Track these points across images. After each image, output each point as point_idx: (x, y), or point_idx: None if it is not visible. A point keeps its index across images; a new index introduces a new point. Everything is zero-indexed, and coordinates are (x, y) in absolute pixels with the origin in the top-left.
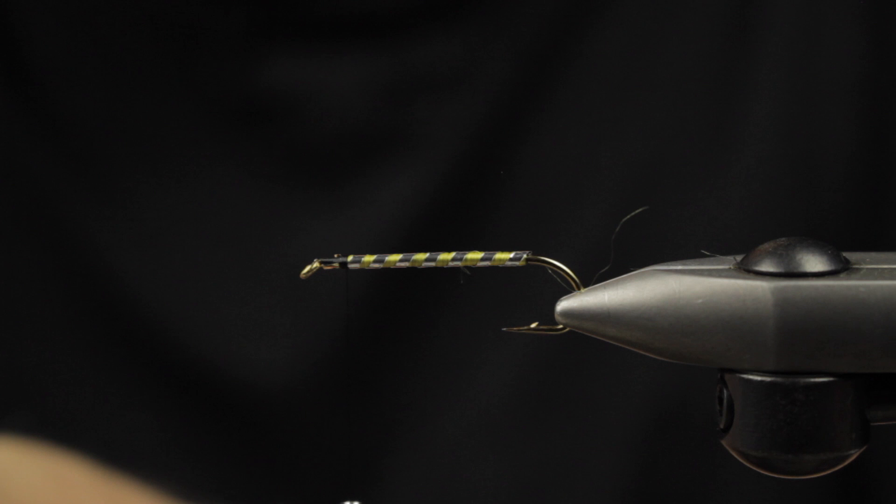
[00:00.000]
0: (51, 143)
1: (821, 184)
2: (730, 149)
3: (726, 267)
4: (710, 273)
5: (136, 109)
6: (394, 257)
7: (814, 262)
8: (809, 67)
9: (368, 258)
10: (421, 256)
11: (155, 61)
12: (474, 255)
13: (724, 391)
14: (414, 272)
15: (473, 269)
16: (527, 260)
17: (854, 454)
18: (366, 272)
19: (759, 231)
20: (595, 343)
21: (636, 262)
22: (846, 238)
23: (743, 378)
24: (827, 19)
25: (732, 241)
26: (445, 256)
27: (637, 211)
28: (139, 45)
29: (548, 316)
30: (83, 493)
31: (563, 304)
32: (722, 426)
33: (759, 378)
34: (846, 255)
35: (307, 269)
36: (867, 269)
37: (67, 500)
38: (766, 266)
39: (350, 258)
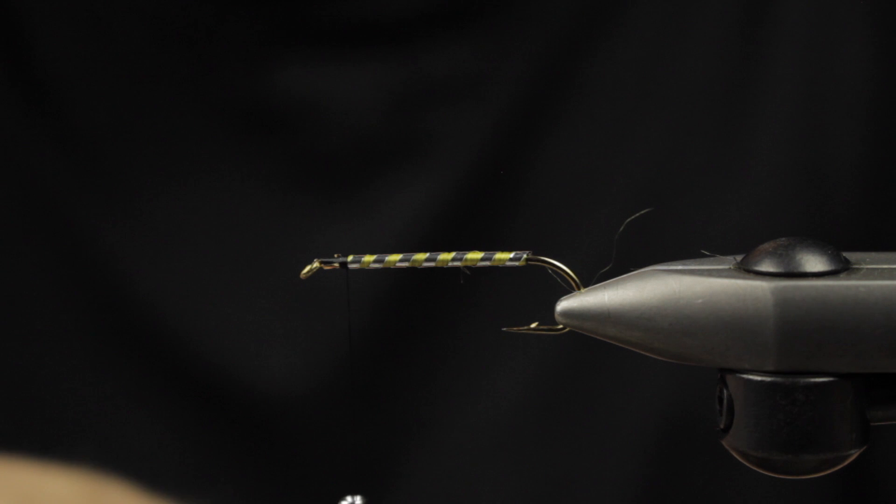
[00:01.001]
0: (61, 149)
1: (823, 187)
2: (732, 152)
3: (726, 267)
4: (710, 273)
5: (148, 115)
6: (394, 257)
7: (814, 262)
8: (815, 74)
9: (368, 258)
10: (421, 256)
11: (167, 68)
12: (474, 255)
13: (724, 391)
14: (418, 276)
15: (474, 270)
16: (527, 260)
17: (854, 454)
18: (370, 277)
19: (760, 232)
20: (601, 346)
21: (636, 262)
22: (849, 240)
23: (743, 378)
24: (833, 28)
25: (734, 242)
26: (445, 256)
27: (642, 212)
28: (151, 51)
29: (548, 316)
30: None
31: (563, 304)
32: (722, 426)
33: (759, 378)
34: (846, 255)
35: (307, 269)
36: (867, 269)
37: None
38: (766, 266)
39: (350, 258)
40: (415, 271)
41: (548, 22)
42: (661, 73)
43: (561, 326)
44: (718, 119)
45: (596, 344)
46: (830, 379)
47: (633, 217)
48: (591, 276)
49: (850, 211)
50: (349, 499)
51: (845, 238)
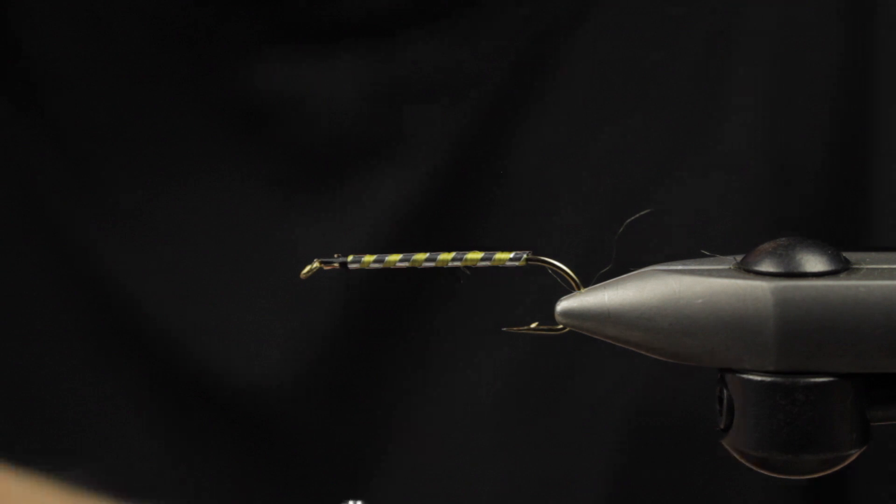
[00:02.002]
0: (50, 148)
1: (824, 187)
2: (729, 150)
3: (726, 267)
4: (710, 273)
5: (135, 113)
6: (394, 257)
7: (814, 262)
8: (802, 69)
9: (368, 258)
10: (421, 256)
11: (152, 66)
12: (474, 255)
13: (724, 391)
14: (413, 272)
15: (473, 269)
16: (527, 260)
17: (854, 454)
18: (364, 272)
19: (760, 232)
20: (594, 343)
21: (636, 262)
22: (849, 240)
23: (743, 378)
24: (812, 22)
25: (734, 243)
26: (445, 256)
27: (642, 213)
28: (138, 50)
29: (548, 316)
30: None
31: (563, 304)
32: (722, 426)
33: (759, 378)
34: (846, 255)
35: (307, 269)
36: (867, 269)
37: None
38: (766, 266)
39: (350, 258)
40: (414, 271)
41: (528, 17)
42: (650, 68)
43: (561, 326)
44: (713, 117)
45: (596, 344)
46: (830, 379)
47: (631, 219)
48: (591, 276)
49: (851, 210)
50: (351, 502)
51: (845, 238)
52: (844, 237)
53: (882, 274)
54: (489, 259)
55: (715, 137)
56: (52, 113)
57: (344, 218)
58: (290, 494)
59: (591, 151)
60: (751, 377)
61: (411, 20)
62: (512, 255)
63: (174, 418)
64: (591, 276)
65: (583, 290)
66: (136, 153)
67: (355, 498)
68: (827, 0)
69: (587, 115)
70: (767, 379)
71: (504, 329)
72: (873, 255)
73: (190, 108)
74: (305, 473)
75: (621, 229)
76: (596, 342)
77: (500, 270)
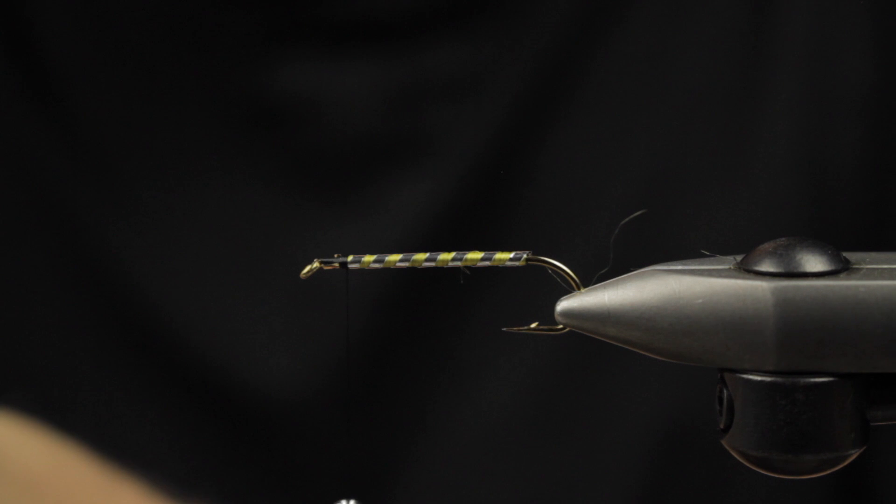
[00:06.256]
0: (63, 146)
1: (824, 187)
2: (734, 152)
3: (726, 267)
4: (710, 273)
5: (150, 113)
6: (393, 257)
7: (814, 262)
8: (817, 73)
9: (368, 258)
10: (421, 256)
11: (169, 65)
12: (474, 255)
13: (724, 391)
14: (417, 276)
15: (474, 270)
16: (527, 260)
17: (854, 454)
18: (369, 277)
19: (760, 232)
20: (601, 347)
21: (636, 263)
22: (851, 241)
23: (743, 378)
24: (837, 27)
25: (734, 243)
26: (445, 256)
27: (635, 214)
28: (153, 49)
29: (548, 316)
30: (77, 475)
31: (563, 304)
32: (722, 426)
33: (759, 378)
34: (846, 255)
35: (307, 269)
36: (867, 269)
37: (61, 480)
38: (766, 266)
39: (350, 258)
40: (415, 271)
41: (549, 21)
42: (662, 72)
43: (561, 326)
44: (720, 118)
45: (596, 344)
46: (830, 379)
47: (626, 220)
48: (592, 277)
49: (851, 211)
50: (344, 502)
51: (846, 238)
52: (877, 247)
53: (882, 274)
54: (489, 259)
55: (746, 146)
56: (68, 112)
57: (362, 222)
58: (294, 497)
59: (619, 155)
60: (751, 377)
61: (434, 21)
62: (512, 255)
63: (175, 418)
64: (604, 276)
65: (583, 290)
66: (154, 156)
67: (349, 498)
68: (860, 7)
69: (614, 119)
70: (767, 379)
71: (504, 329)
72: (873, 255)
73: (208, 111)
74: (310, 476)
75: (616, 230)
76: (606, 347)
77: (502, 271)
